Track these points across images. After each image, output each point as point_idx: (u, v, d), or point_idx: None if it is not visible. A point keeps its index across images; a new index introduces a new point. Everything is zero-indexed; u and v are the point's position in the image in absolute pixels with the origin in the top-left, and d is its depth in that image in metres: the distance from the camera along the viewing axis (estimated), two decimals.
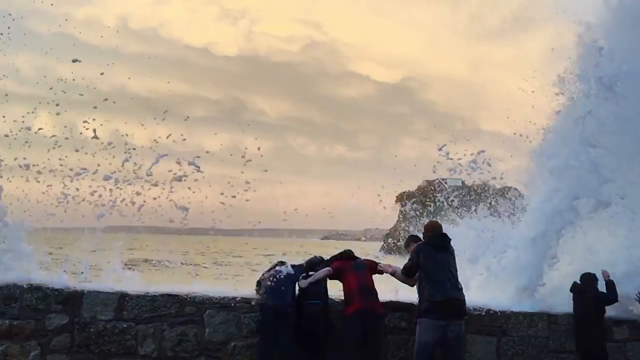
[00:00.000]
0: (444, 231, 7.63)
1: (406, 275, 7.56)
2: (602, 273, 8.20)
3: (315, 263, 7.91)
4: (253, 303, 7.79)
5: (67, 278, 8.33)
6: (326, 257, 8.13)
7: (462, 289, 7.33)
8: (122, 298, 7.83)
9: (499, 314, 8.26)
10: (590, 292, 8.09)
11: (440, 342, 7.02)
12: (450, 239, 7.53)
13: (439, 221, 8.04)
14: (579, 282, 8.27)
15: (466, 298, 7.51)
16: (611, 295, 8.07)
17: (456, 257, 7.57)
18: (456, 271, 7.34)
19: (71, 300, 7.77)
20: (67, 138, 8.94)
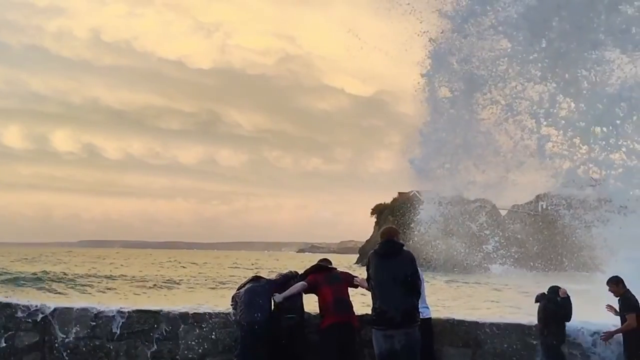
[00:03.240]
0: (395, 237, 7.15)
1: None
2: (560, 290, 8.33)
3: (290, 277, 7.88)
4: (232, 318, 7.71)
5: (38, 294, 8.20)
6: (301, 271, 8.11)
7: (411, 296, 6.88)
8: (96, 314, 7.69)
9: (474, 325, 8.32)
10: (547, 302, 8.23)
11: (390, 352, 6.82)
12: (402, 245, 7.09)
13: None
14: (546, 292, 8.41)
15: (446, 310, 7.41)
16: (561, 310, 8.17)
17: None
18: (405, 279, 6.83)
19: (42, 317, 7.60)
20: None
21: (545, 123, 11.93)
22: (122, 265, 56.32)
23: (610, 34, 11.80)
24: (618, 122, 11.82)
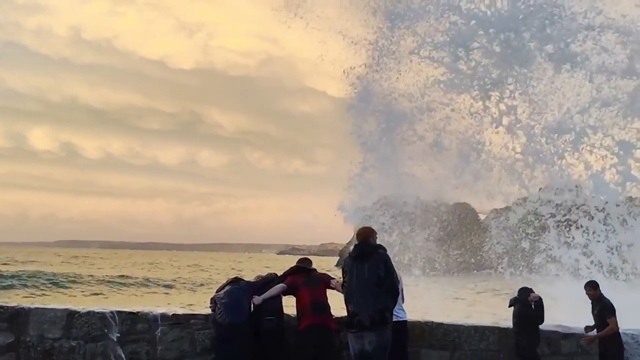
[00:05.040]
0: (370, 237, 7.07)
1: None
2: (531, 294, 8.46)
3: (269, 280, 7.88)
4: (217, 319, 7.63)
5: (13, 294, 8.11)
6: (280, 272, 8.10)
7: (383, 298, 6.76)
8: (71, 315, 7.61)
9: (452, 328, 8.39)
10: (520, 305, 8.36)
11: (361, 353, 6.82)
12: (375, 246, 7.01)
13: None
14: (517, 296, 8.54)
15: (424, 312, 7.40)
16: (535, 313, 8.30)
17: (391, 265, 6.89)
18: (377, 281, 6.74)
19: (17, 317, 7.51)
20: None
21: (476, 161, 11.08)
22: (100, 265, 55.74)
23: (546, 52, 10.83)
24: (559, 160, 10.77)
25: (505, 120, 11.21)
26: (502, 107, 11.19)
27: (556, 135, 10.90)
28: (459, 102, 11.40)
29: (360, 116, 11.02)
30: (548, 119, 11.16)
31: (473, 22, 11.02)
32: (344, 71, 11.22)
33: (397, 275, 7.11)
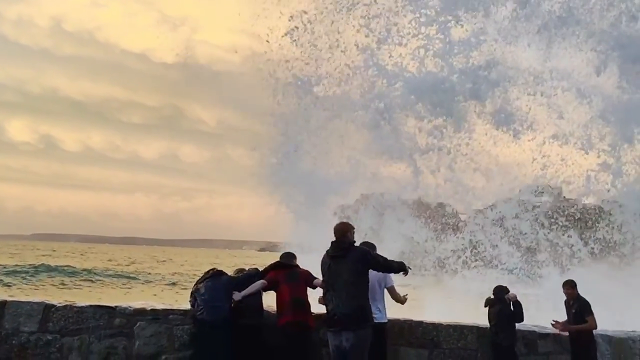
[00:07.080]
0: (348, 233, 6.89)
1: None
2: (509, 294, 8.54)
3: (251, 275, 7.82)
4: (196, 315, 7.57)
5: None
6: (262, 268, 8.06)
7: (358, 299, 6.68)
8: (48, 309, 7.52)
9: (431, 326, 8.44)
10: (499, 305, 8.45)
11: (339, 351, 6.81)
12: (351, 243, 6.86)
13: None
14: (492, 296, 8.61)
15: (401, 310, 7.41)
16: (515, 313, 8.41)
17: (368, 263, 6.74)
18: (355, 278, 6.68)
19: None
20: None
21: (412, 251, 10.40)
22: (78, 259, 55.20)
23: (486, 115, 9.50)
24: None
25: (441, 195, 10.21)
26: (439, 180, 10.14)
27: (499, 225, 9.91)
28: (386, 173, 10.60)
29: (287, 186, 10.33)
30: (489, 194, 10.06)
31: (400, 83, 10.05)
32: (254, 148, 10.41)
33: (384, 259, 7.00)
